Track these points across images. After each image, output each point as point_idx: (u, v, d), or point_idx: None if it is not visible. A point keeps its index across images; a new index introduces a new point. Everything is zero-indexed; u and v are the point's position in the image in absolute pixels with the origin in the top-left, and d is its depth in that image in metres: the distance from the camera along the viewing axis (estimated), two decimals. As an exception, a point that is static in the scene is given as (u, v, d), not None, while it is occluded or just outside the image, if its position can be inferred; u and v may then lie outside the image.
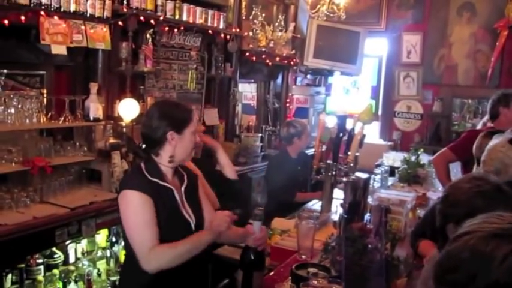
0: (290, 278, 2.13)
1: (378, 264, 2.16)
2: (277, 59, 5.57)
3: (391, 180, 4.41)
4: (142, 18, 3.80)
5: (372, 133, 6.66)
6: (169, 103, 2.55)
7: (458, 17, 6.39)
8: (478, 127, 4.48)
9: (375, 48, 6.90)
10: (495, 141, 2.47)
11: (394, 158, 5.41)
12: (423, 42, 6.61)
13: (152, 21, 3.92)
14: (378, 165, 4.37)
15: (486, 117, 4.14)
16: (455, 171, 3.92)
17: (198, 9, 4.38)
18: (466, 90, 6.42)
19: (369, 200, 2.98)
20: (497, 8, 5.98)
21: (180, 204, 2.15)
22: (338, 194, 3.44)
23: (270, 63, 5.52)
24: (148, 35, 3.95)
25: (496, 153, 2.40)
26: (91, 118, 3.45)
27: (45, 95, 3.33)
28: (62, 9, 3.19)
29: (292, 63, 5.91)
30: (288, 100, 6.23)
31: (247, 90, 6.17)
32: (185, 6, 4.25)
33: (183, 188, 2.21)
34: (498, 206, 1.63)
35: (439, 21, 6.50)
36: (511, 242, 0.87)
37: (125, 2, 3.71)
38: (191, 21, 4.32)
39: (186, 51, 4.53)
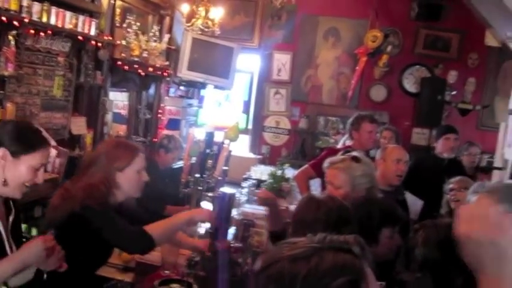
0: (152, 294, 2.14)
1: (239, 279, 2.25)
2: (151, 69, 5.51)
3: (257, 194, 4.56)
4: (4, 18, 3.55)
5: (242, 146, 6.85)
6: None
7: (324, 41, 6.85)
8: (339, 145, 4.82)
9: (248, 64, 7.13)
10: None
11: (262, 172, 5.63)
12: (292, 61, 6.96)
13: (16, 23, 3.68)
14: (246, 179, 4.51)
15: (346, 136, 4.48)
16: (316, 185, 4.19)
17: (68, 13, 4.20)
18: (330, 108, 6.89)
19: (235, 214, 3.08)
20: (358, 36, 6.51)
21: (5, 237, 1.90)
22: (209, 207, 3.48)
23: (142, 73, 5.45)
24: (10, 37, 3.70)
25: None
26: None
27: None
28: None
29: (165, 74, 5.89)
30: (160, 111, 6.19)
31: (118, 99, 6.00)
32: (54, 9, 4.04)
33: (10, 219, 1.96)
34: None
35: (307, 43, 6.91)
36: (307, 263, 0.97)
37: (-16, 0, 3.46)
38: (60, 25, 4.12)
39: (53, 56, 4.32)
